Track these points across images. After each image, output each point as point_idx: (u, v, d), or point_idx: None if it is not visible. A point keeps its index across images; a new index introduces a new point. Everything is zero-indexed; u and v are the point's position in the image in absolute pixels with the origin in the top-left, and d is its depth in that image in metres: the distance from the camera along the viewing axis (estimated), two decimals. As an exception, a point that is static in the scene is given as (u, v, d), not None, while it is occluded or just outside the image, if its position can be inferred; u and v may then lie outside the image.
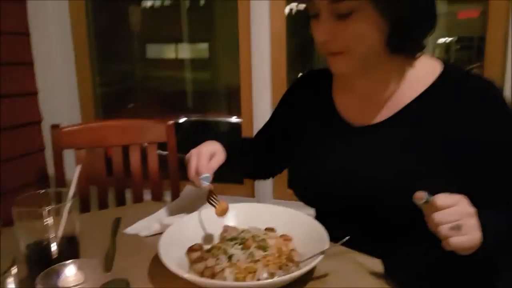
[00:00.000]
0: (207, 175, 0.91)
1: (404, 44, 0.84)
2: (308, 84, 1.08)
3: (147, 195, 1.61)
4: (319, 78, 1.04)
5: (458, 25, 2.88)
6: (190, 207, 1.00)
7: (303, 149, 1.01)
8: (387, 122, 0.89)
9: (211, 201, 0.91)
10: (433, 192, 0.69)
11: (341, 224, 0.85)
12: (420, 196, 0.67)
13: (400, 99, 0.89)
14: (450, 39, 3.13)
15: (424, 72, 0.88)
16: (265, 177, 1.27)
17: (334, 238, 0.79)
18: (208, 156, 0.94)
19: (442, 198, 0.67)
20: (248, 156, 1.15)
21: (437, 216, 0.67)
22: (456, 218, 0.67)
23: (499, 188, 0.84)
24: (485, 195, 0.82)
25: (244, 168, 1.20)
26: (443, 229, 0.66)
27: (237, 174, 1.21)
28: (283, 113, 1.13)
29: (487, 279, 0.90)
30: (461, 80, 0.86)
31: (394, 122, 0.89)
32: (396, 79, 0.89)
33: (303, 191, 0.99)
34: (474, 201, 0.79)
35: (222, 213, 0.91)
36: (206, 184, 0.90)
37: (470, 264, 0.80)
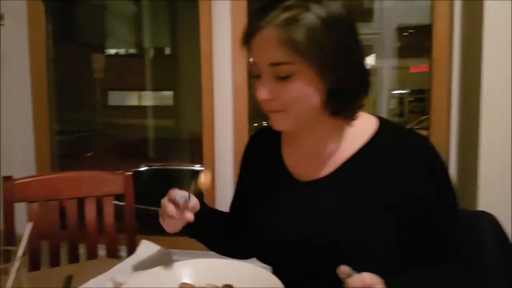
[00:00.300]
0: (183, 194, 0.89)
1: (341, 107, 0.88)
2: (258, 142, 1.11)
3: (101, 250, 1.57)
4: (269, 135, 1.07)
5: (411, 78, 3.06)
6: (146, 264, 0.99)
7: (256, 206, 1.02)
8: (330, 177, 0.93)
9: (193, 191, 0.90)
10: (370, 247, 0.78)
11: (296, 277, 0.86)
12: (343, 270, 0.72)
13: (341, 154, 0.93)
14: (403, 91, 3.32)
15: (362, 128, 0.94)
16: (237, 253, 1.13)
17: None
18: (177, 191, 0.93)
19: (356, 281, 0.71)
20: (221, 226, 1.11)
21: None
22: None
23: (433, 243, 0.89)
24: (422, 249, 0.89)
25: (214, 238, 1.13)
26: None
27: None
28: (243, 178, 1.14)
29: None
30: (396, 135, 0.92)
31: (335, 177, 0.93)
32: (337, 136, 0.94)
33: (255, 248, 1.00)
34: (413, 254, 0.87)
35: (207, 182, 0.89)
36: (183, 198, 0.88)
37: None
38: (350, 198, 0.90)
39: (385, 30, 2.95)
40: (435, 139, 1.83)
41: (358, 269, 0.73)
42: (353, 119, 0.92)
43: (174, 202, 0.89)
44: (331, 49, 0.82)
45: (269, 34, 0.82)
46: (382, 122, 0.95)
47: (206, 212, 1.01)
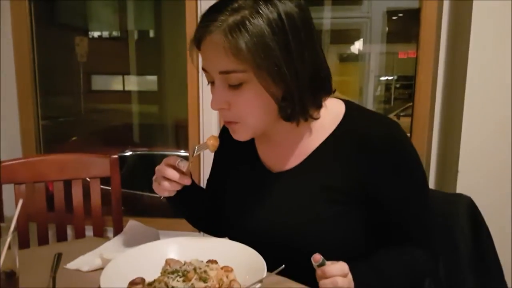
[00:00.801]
0: (183, 159, 0.91)
1: (294, 114, 0.87)
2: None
3: (88, 232, 1.59)
4: None
5: (399, 64, 3.05)
6: (133, 242, 1.01)
7: (227, 194, 1.05)
8: (297, 168, 0.95)
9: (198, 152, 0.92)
10: (341, 231, 0.82)
11: (273, 260, 0.86)
12: (316, 259, 0.74)
13: (310, 145, 0.94)
14: (390, 78, 3.31)
15: (329, 116, 0.93)
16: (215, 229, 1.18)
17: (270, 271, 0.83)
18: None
19: (331, 269, 0.73)
20: (202, 201, 1.14)
21: (324, 283, 0.73)
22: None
23: (398, 230, 0.91)
24: (386, 236, 0.91)
25: (197, 212, 1.15)
26: None
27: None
28: (217, 163, 1.17)
29: None
30: (361, 122, 0.91)
31: (302, 168, 0.94)
32: (304, 129, 0.94)
33: (231, 233, 1.02)
34: (376, 240, 0.89)
35: (215, 143, 0.92)
36: (185, 162, 0.91)
37: None
38: (313, 188, 0.91)
39: (374, 14, 2.91)
40: (417, 125, 1.87)
41: (330, 258, 0.76)
42: (318, 111, 0.91)
43: (173, 167, 0.92)
44: (280, 55, 0.79)
45: (216, 40, 0.79)
46: (349, 108, 0.95)
47: (194, 185, 1.04)
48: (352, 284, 0.76)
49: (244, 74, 0.80)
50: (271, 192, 0.97)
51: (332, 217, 0.89)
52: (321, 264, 0.74)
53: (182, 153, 2.96)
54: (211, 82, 0.87)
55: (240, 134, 0.91)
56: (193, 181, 1.02)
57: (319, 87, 0.89)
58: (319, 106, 0.91)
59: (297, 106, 0.85)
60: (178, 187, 0.95)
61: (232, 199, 1.04)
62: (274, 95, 0.83)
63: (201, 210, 1.14)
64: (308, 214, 0.91)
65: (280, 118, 0.88)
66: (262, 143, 1.03)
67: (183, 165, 0.91)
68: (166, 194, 0.97)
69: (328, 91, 0.92)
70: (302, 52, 0.82)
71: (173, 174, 0.92)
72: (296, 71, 0.82)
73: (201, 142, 2.05)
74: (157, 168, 0.96)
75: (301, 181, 0.94)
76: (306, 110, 0.88)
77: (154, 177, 0.97)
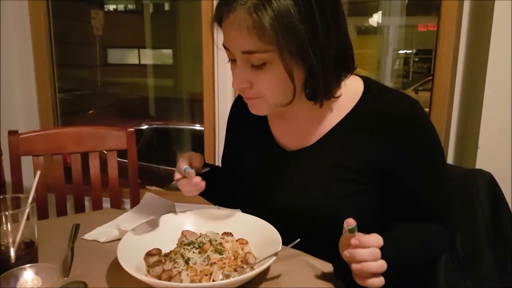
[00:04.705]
0: (186, 166, 0.92)
1: (318, 93, 0.84)
2: (245, 108, 1.08)
3: (106, 203, 1.61)
4: None
5: (418, 37, 2.98)
6: (150, 214, 1.02)
7: (245, 174, 1.04)
8: (314, 146, 0.93)
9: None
10: (356, 210, 0.80)
11: (288, 236, 0.85)
12: (350, 222, 0.71)
13: (327, 123, 0.92)
14: (409, 51, 3.24)
15: (348, 95, 0.91)
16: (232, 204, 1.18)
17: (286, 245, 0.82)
18: (186, 157, 0.97)
19: (369, 239, 0.70)
20: (220, 180, 1.13)
21: (361, 253, 0.70)
22: (375, 258, 0.70)
23: (416, 206, 0.90)
24: (404, 214, 0.89)
25: (215, 190, 1.13)
26: (365, 266, 0.69)
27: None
28: (231, 142, 1.16)
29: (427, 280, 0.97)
30: (380, 101, 0.89)
31: (320, 146, 0.92)
32: (323, 107, 0.91)
33: (245, 210, 1.01)
34: (394, 217, 0.88)
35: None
36: (188, 170, 0.91)
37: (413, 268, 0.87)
38: (329, 167, 0.90)
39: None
40: (437, 99, 1.83)
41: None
42: (331, 98, 0.89)
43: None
44: (305, 35, 0.76)
45: (240, 18, 0.76)
46: (368, 86, 0.93)
47: (212, 171, 1.03)
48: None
49: (268, 54, 0.78)
50: (286, 171, 0.96)
51: (348, 196, 0.88)
52: (352, 230, 0.71)
53: (197, 127, 2.96)
54: (232, 60, 0.85)
55: (259, 109, 0.90)
56: (211, 167, 1.00)
57: (343, 66, 0.87)
58: (340, 85, 0.89)
59: (322, 86, 0.83)
60: (196, 193, 0.96)
61: (246, 178, 1.03)
62: (297, 76, 0.82)
63: (220, 190, 1.13)
64: (323, 193, 0.90)
65: (302, 97, 0.86)
66: (276, 122, 1.01)
67: (192, 173, 0.91)
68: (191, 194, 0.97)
69: (352, 69, 0.89)
70: (328, 32, 0.79)
71: (186, 188, 0.94)
72: (321, 51, 0.79)
73: (215, 115, 2.05)
74: (175, 174, 0.95)
75: (316, 160, 0.92)
76: (331, 90, 0.86)
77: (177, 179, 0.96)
